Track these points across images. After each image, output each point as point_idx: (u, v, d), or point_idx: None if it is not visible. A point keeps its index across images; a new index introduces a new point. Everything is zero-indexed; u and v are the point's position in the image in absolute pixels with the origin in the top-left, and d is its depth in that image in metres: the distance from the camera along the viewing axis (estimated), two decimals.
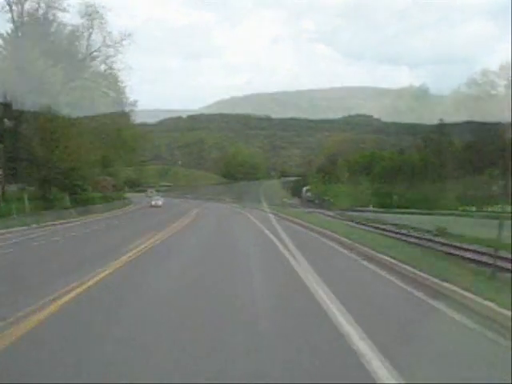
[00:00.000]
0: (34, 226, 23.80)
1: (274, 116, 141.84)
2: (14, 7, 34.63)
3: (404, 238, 20.74)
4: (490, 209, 50.63)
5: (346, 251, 13.99)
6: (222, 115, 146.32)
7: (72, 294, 7.34)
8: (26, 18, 35.50)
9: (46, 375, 4.22)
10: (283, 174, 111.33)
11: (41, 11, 36.07)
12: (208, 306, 6.95)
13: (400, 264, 9.89)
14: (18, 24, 35.04)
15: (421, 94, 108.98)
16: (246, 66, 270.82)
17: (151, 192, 78.11)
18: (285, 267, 10.88)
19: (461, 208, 51.61)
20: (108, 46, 38.14)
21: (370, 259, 11.68)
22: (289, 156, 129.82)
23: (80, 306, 6.84)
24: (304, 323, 6.05)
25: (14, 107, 31.62)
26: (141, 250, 13.55)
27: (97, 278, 8.81)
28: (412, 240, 19.51)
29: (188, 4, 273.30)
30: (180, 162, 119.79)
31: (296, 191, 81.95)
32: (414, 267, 9.20)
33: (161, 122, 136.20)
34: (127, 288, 8.43)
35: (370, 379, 4.11)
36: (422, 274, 8.59)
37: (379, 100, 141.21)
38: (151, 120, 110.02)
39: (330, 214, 42.70)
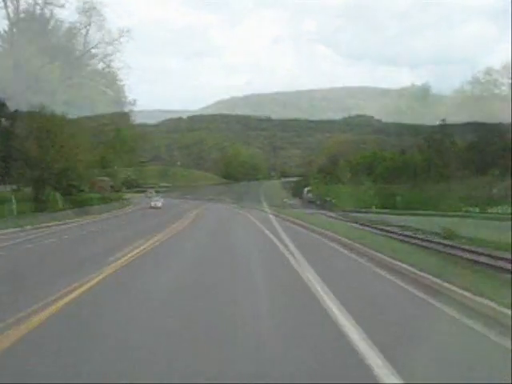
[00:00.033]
0: (29, 227, 23.10)
1: (274, 116, 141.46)
2: (9, 3, 34.02)
3: (414, 241, 20.02)
4: (493, 210, 50.20)
5: (359, 258, 13.17)
6: (221, 116, 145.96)
7: (66, 299, 7.07)
8: (22, 15, 34.86)
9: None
10: (283, 175, 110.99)
11: (37, 7, 35.47)
12: (208, 306, 6.96)
13: (427, 276, 8.67)
14: (14, 21, 34.38)
15: (422, 94, 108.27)
16: (245, 66, 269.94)
17: (151, 193, 77.53)
18: (285, 267, 10.80)
19: (464, 209, 51.06)
20: (106, 44, 37.61)
21: (391, 269, 10.36)
22: (289, 156, 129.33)
23: (79, 307, 6.78)
24: (304, 323, 5.99)
25: (9, 105, 30.96)
26: (138, 253, 13.06)
27: (92, 283, 8.54)
28: (425, 244, 18.82)
29: (188, 4, 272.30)
30: (179, 163, 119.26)
31: (297, 192, 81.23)
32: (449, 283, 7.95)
33: (161, 124, 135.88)
34: (123, 291, 8.23)
35: (370, 379, 4.03)
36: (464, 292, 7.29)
37: (380, 100, 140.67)
38: (151, 121, 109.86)
39: (333, 215, 42.09)
